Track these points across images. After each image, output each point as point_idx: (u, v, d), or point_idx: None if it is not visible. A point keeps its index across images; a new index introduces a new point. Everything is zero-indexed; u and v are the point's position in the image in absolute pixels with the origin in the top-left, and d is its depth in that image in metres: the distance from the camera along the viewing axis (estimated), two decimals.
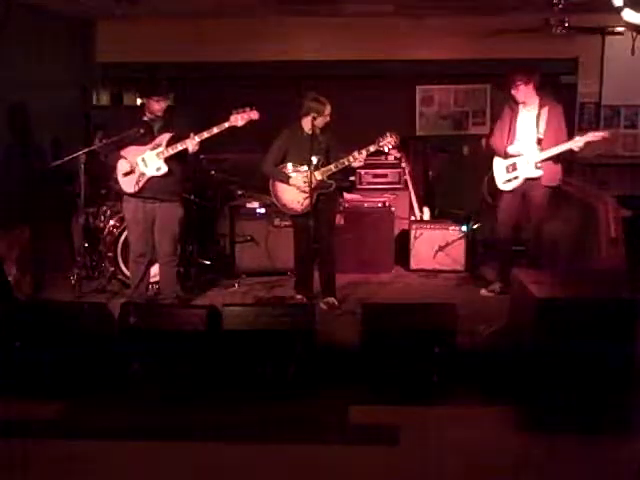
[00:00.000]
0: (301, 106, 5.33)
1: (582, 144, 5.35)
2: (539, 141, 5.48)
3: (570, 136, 5.57)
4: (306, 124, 5.33)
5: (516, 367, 4.05)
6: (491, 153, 5.79)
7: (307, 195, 5.24)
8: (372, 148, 5.30)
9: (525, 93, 5.49)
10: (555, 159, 5.49)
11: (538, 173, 5.51)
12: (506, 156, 5.62)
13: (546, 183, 5.54)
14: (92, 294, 5.84)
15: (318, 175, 5.29)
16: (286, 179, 5.38)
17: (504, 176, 5.67)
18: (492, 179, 5.78)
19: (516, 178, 5.60)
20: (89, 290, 5.89)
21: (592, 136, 5.39)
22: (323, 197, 5.38)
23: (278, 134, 5.46)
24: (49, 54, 6.77)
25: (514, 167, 5.59)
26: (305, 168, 5.25)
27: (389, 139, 5.27)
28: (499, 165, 5.71)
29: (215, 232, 6.76)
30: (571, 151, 5.41)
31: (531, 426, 3.74)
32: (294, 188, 5.36)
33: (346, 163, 5.29)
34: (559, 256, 5.93)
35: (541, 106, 5.51)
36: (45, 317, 4.42)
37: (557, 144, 5.41)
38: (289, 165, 5.41)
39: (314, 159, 5.24)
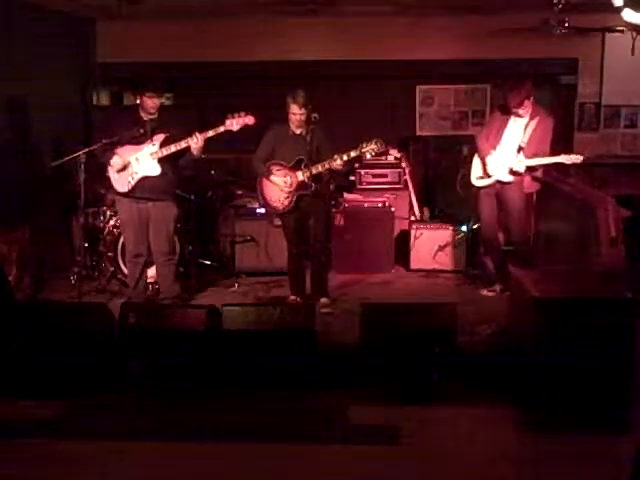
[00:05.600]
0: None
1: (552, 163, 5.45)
2: (520, 149, 5.53)
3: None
4: (291, 122, 5.23)
5: (516, 367, 4.05)
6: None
7: (287, 195, 5.21)
8: (353, 153, 5.10)
9: (527, 108, 5.49)
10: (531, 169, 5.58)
11: (509, 178, 5.57)
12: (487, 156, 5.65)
13: (521, 187, 5.63)
14: (92, 294, 5.84)
15: (300, 176, 5.20)
16: (268, 175, 5.30)
17: (478, 172, 5.76)
18: (467, 174, 5.90)
19: (489, 177, 5.66)
20: (89, 290, 5.88)
21: (565, 158, 5.45)
22: (306, 198, 5.27)
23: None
24: (49, 54, 6.76)
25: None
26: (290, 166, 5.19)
27: (372, 146, 5.04)
28: (477, 162, 5.80)
29: (215, 232, 6.76)
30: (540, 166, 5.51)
31: (531, 426, 3.74)
32: (276, 186, 5.29)
33: (327, 166, 5.12)
34: (559, 256, 5.93)
35: (532, 116, 5.53)
36: (45, 317, 4.43)
37: (536, 155, 5.47)
38: (275, 162, 5.31)
39: (298, 158, 5.17)
